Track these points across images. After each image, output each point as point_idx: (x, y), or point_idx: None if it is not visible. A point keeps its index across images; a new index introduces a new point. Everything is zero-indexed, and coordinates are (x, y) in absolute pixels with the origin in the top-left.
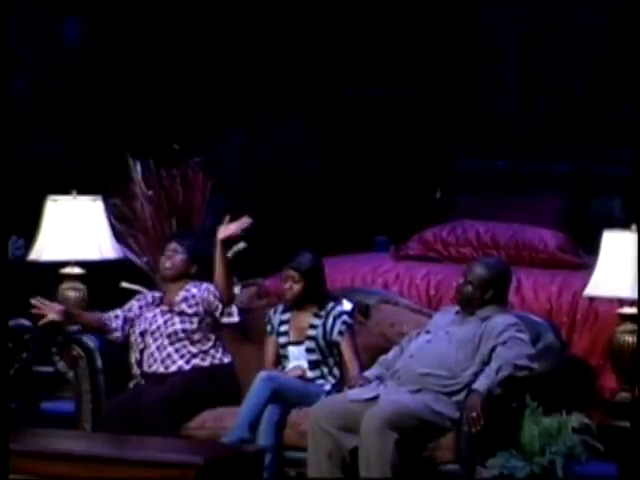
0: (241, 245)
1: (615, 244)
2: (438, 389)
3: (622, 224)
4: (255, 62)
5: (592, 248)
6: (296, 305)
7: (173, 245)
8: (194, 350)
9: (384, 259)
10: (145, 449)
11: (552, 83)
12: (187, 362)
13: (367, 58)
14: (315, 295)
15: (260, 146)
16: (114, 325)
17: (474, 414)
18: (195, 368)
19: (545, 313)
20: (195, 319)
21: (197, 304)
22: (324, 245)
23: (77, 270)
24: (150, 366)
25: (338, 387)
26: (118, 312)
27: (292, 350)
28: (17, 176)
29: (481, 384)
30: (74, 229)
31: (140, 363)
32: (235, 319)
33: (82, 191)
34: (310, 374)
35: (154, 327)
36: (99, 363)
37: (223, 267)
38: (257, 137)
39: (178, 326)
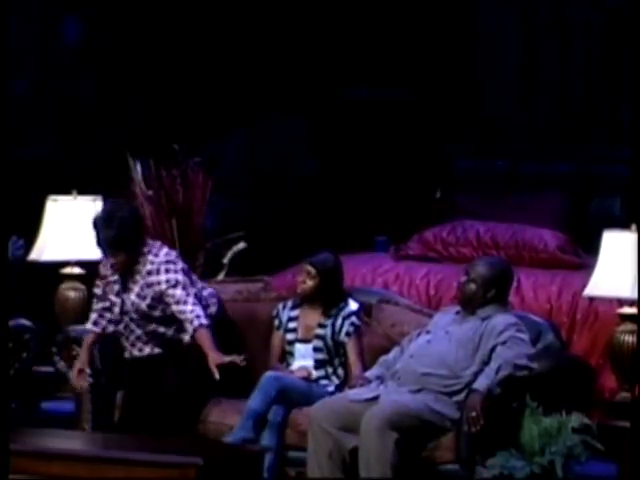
0: (241, 245)
1: (615, 244)
2: (439, 389)
3: (622, 224)
4: (256, 62)
5: (592, 248)
6: (306, 301)
7: None
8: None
9: (384, 259)
10: (145, 449)
11: (552, 83)
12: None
13: (367, 59)
14: (328, 295)
15: (260, 146)
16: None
17: (474, 414)
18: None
19: (545, 313)
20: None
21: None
22: (324, 245)
23: (77, 270)
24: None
25: (341, 388)
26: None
27: (299, 348)
28: (17, 176)
29: (481, 384)
30: (74, 229)
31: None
32: None
33: (82, 191)
34: (315, 373)
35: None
36: (99, 363)
37: None
38: (257, 137)
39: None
